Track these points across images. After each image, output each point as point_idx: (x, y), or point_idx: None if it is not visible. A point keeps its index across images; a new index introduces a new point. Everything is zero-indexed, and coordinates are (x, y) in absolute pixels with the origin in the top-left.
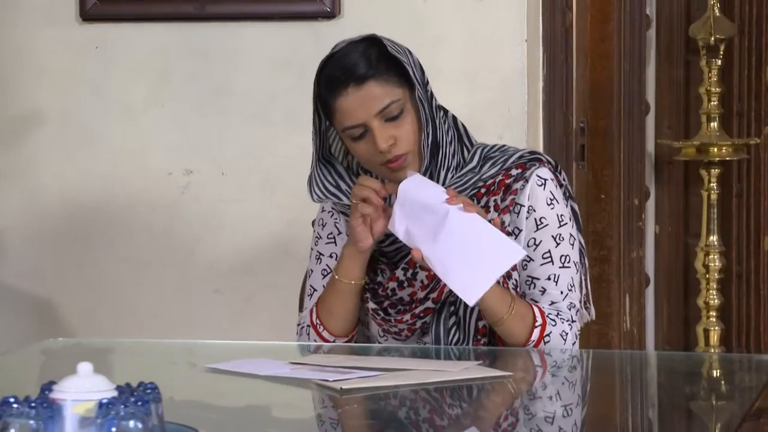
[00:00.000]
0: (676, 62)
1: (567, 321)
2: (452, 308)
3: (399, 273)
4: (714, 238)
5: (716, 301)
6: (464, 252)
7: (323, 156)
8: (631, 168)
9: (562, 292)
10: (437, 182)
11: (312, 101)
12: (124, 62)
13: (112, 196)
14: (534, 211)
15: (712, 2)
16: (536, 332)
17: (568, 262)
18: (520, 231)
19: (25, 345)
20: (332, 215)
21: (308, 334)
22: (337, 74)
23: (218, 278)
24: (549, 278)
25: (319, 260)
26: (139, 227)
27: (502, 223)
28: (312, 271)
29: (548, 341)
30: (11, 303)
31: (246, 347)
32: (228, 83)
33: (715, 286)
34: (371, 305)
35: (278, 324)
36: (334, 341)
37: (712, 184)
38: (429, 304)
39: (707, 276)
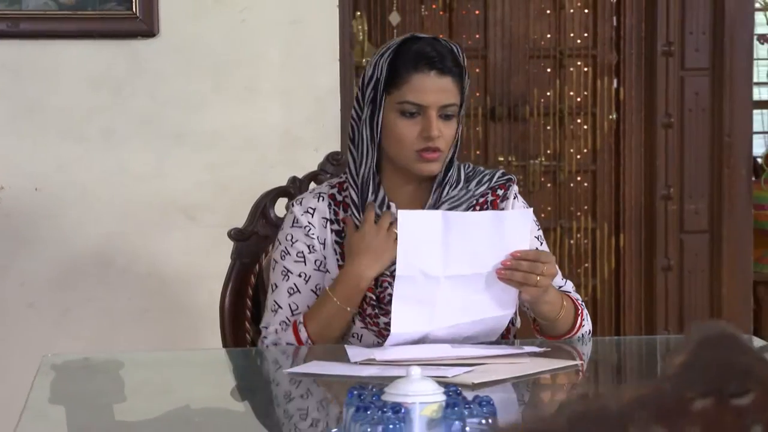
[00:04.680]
0: None
1: (582, 303)
2: None
3: None
4: None
5: None
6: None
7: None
8: None
9: (563, 279)
10: (440, 196)
11: (371, 79)
12: None
13: None
14: None
15: (362, 29)
16: (578, 320)
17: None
18: None
19: None
20: (308, 230)
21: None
22: (429, 53)
23: (32, 293)
24: None
25: (286, 277)
26: None
27: None
28: (276, 286)
29: (583, 326)
30: None
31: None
32: (41, 100)
33: None
34: (383, 320)
35: (98, 337)
36: None
37: None
38: None
39: None
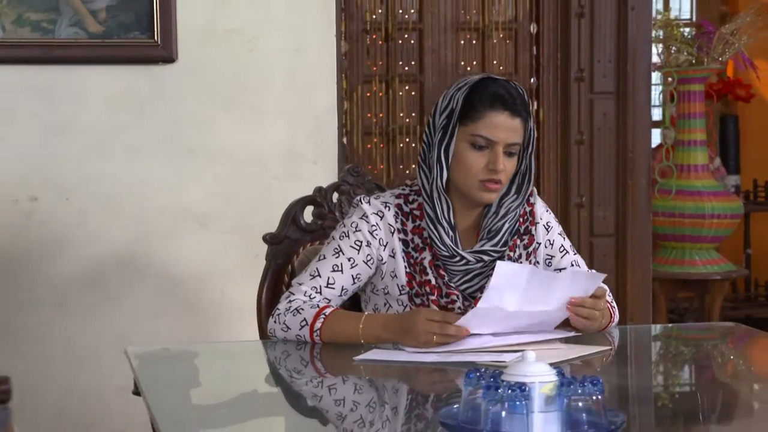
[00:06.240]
0: None
1: (614, 305)
2: None
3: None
4: None
5: None
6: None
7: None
8: None
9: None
10: (495, 218)
11: (445, 109)
12: None
13: None
14: (541, 219)
15: None
16: (609, 325)
17: (576, 252)
18: (539, 244)
19: None
20: (374, 230)
21: (300, 324)
22: (505, 96)
23: (62, 293)
24: (572, 264)
25: (337, 255)
26: None
27: (539, 245)
28: (324, 256)
29: (610, 326)
30: None
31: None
32: (71, 120)
33: None
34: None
35: (120, 332)
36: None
37: None
38: None
39: None
